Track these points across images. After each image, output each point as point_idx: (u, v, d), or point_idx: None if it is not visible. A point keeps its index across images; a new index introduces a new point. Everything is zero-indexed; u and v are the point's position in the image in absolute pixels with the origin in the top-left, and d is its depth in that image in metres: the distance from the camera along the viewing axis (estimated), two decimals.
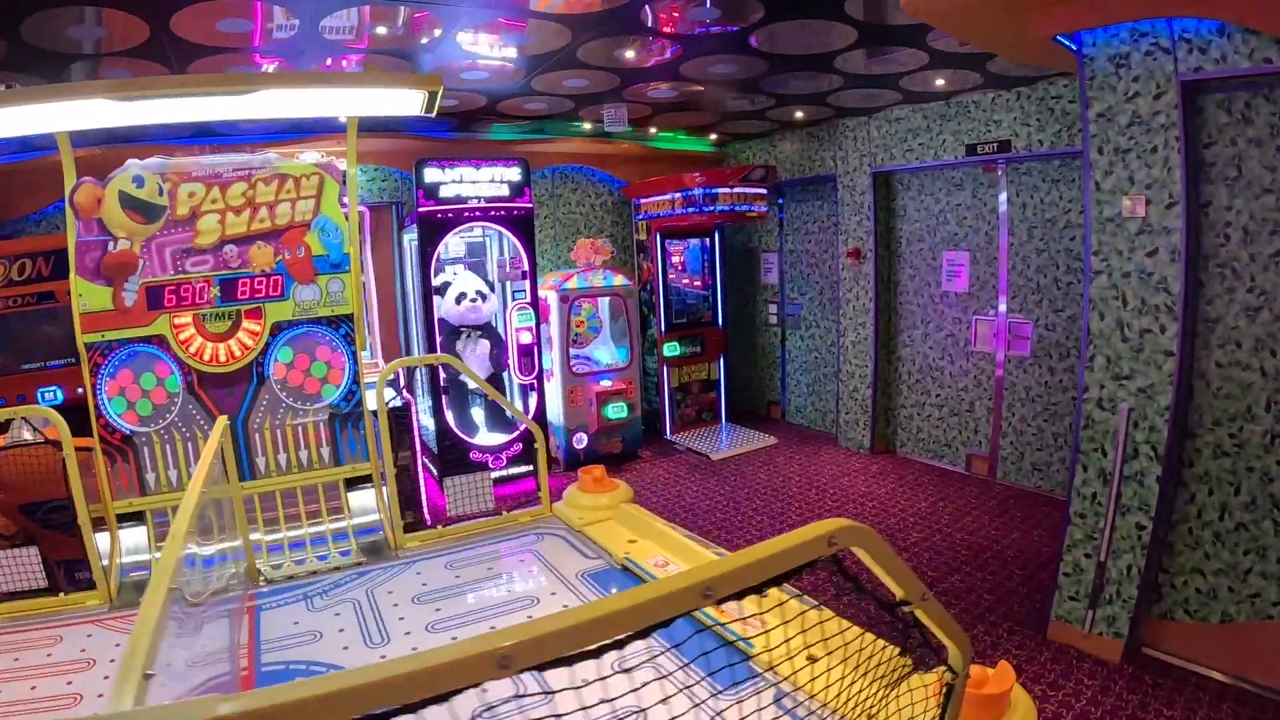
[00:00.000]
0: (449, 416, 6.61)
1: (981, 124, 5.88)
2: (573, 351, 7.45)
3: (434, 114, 3.59)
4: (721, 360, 8.45)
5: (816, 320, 8.10)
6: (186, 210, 3.53)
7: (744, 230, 8.92)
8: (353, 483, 3.91)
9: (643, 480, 6.95)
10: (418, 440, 5.92)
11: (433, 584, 3.13)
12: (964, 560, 4.94)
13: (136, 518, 3.59)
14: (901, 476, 6.63)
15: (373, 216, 7.20)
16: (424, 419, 6.66)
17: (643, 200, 8.05)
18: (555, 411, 7.34)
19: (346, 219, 3.83)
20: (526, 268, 6.53)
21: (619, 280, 7.24)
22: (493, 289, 6.77)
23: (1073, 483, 3.85)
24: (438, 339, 6.45)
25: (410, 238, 6.86)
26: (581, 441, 7.26)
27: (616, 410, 7.19)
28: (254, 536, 3.52)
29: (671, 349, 8.05)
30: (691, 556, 2.96)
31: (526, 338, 6.58)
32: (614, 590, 2.72)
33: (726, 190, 7.15)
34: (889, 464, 7.01)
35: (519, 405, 7.10)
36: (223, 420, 3.09)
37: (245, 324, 3.67)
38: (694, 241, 8.30)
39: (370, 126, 7.02)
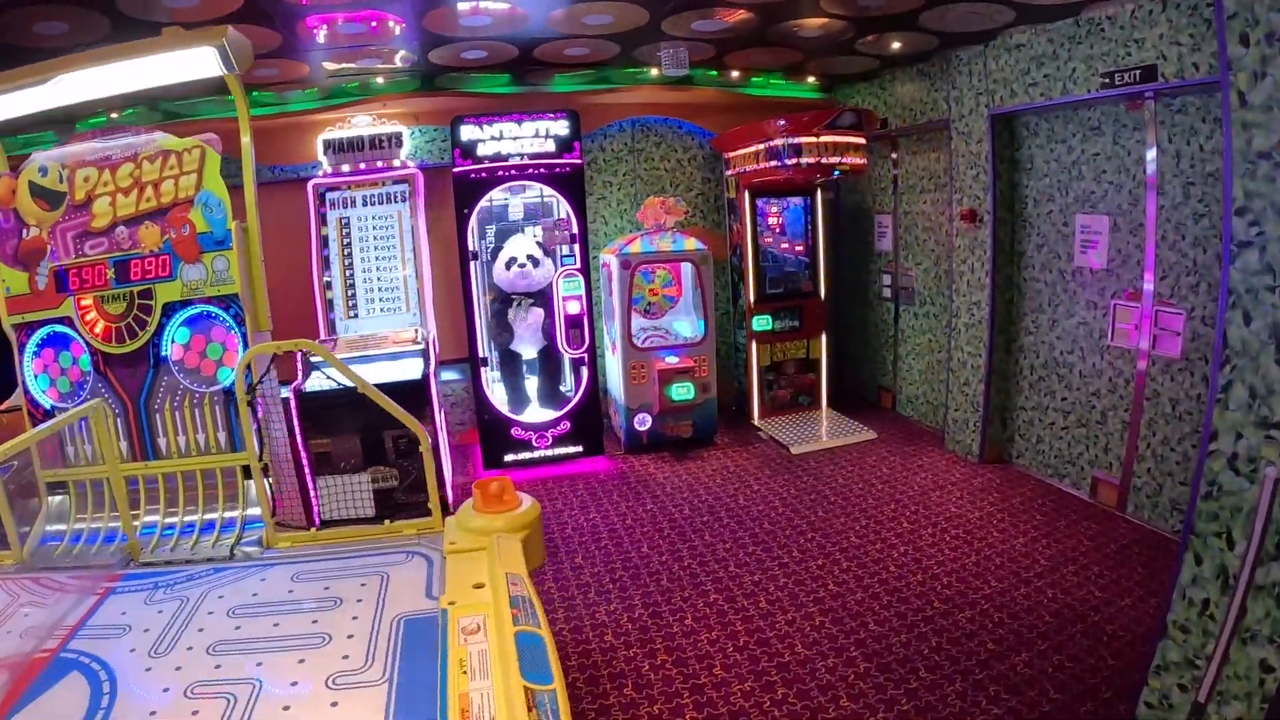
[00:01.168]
0: (488, 389, 6.08)
1: (1120, 45, 4.44)
2: (645, 323, 6.70)
3: (239, 71, 3.19)
4: (824, 337, 7.38)
5: (931, 295, 6.84)
6: (83, 195, 3.50)
7: (858, 189, 7.69)
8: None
9: (702, 472, 6.16)
10: (439, 415, 5.42)
11: (262, 596, 2.81)
12: (1043, 632, 3.78)
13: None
14: (1007, 497, 5.41)
15: (430, 179, 6.70)
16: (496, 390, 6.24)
17: (730, 154, 7.07)
18: (617, 388, 6.64)
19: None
20: (576, 230, 5.80)
21: (690, 244, 6.36)
22: (548, 254, 6.11)
23: (1177, 578, 2.68)
24: (475, 308, 5.90)
25: None
26: (644, 423, 6.53)
27: (682, 391, 6.38)
28: (151, 519, 3.48)
29: (761, 323, 7.10)
30: (503, 625, 2.26)
31: (574, 307, 5.91)
32: (402, 652, 2.27)
33: (811, 139, 6.03)
34: (997, 478, 5.78)
35: (569, 381, 6.47)
36: (94, 403, 3.14)
37: (139, 304, 3.56)
38: (795, 201, 7.22)
39: (426, 85, 6.50)
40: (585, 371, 6.11)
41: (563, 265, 5.87)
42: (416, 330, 5.86)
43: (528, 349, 6.31)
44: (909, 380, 7.33)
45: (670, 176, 7.28)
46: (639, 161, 7.20)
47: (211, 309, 3.58)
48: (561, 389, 6.44)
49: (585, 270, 5.92)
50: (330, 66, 5.61)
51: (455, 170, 5.71)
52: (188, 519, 3.54)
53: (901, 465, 6.16)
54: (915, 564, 4.55)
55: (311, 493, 5.67)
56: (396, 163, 6.35)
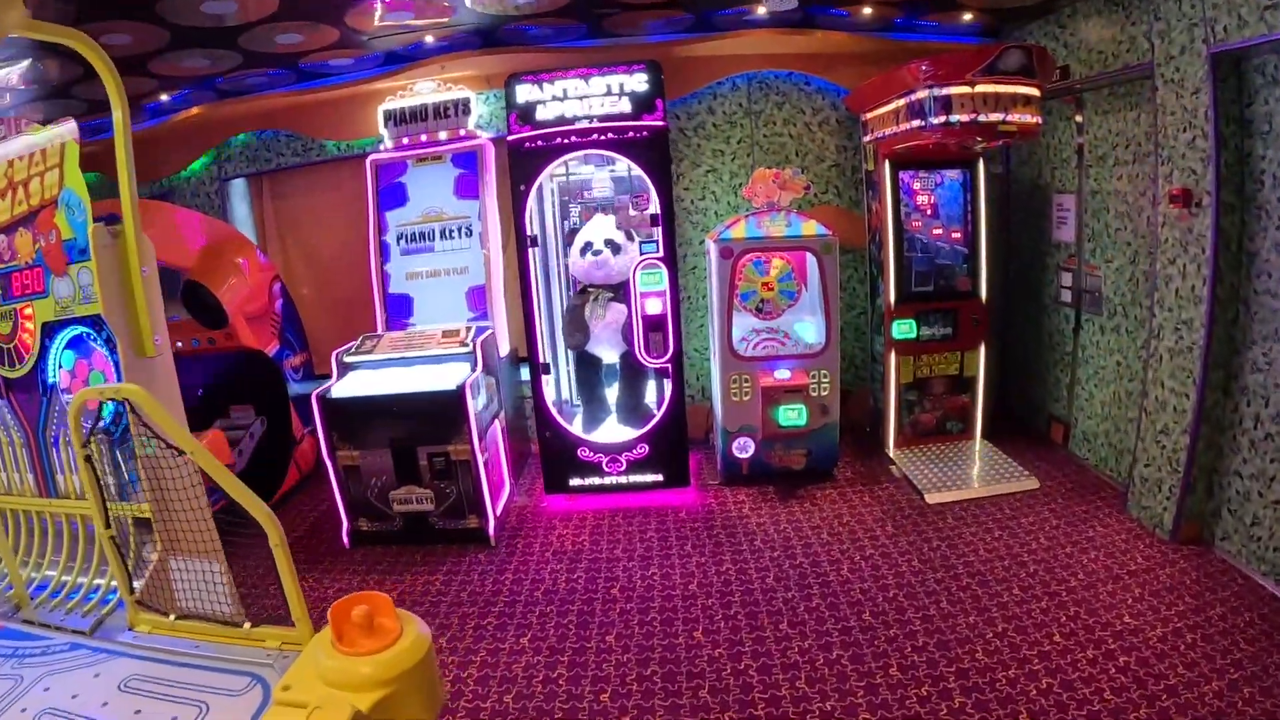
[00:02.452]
0: (550, 400, 4.99)
1: None
2: (757, 324, 5.41)
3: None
4: (982, 350, 5.81)
5: (1124, 304, 5.10)
6: None
7: (1032, 159, 6.00)
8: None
9: (808, 520, 4.84)
10: (474, 431, 4.41)
11: (80, 700, 2.24)
12: None
13: None
14: (1204, 604, 3.72)
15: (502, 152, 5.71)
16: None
17: (867, 114, 5.62)
18: (717, 403, 5.40)
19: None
20: (658, 209, 4.59)
21: (809, 229, 5.01)
22: (632, 239, 4.96)
23: None
24: (535, 302, 4.82)
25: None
26: (745, 449, 5.26)
27: (791, 415, 5.06)
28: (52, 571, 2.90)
29: (903, 329, 5.62)
30: None
31: (654, 306, 4.71)
32: None
33: (963, 89, 4.51)
34: (1192, 570, 4.05)
35: (651, 395, 5.28)
36: None
37: (24, 324, 2.97)
38: (950, 175, 5.68)
39: (488, 41, 5.47)
40: (669, 386, 4.91)
41: (642, 254, 4.70)
42: (466, 329, 4.86)
43: (607, 352, 5.21)
44: (1088, 412, 5.61)
45: (796, 144, 5.91)
46: (757, 126, 5.87)
47: (88, 330, 2.80)
48: (646, 403, 5.29)
49: (670, 260, 4.71)
50: (361, 25, 4.70)
51: (510, 138, 4.66)
52: (81, 576, 2.82)
53: (1066, 534, 4.53)
54: (1059, 708, 3.06)
55: (342, 511, 4.86)
56: (463, 132, 5.40)
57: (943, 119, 4.68)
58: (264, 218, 6.85)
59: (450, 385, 4.45)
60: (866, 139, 5.69)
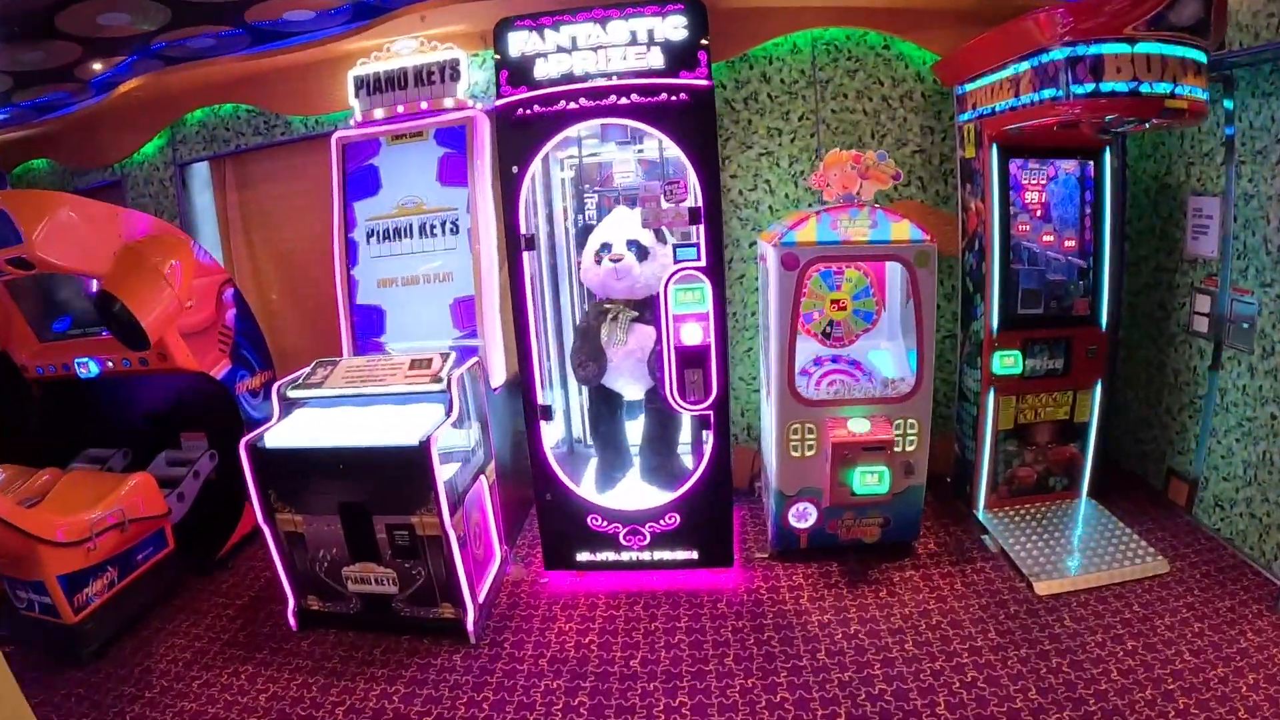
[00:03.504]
0: (550, 454, 3.77)
1: None
2: (821, 350, 4.16)
3: None
4: (1098, 389, 4.51)
5: None
6: None
7: (1159, 151, 4.67)
8: None
9: (886, 619, 3.59)
10: (442, 501, 3.22)
11: None
12: None
13: None
14: None
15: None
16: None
17: (966, 84, 4.32)
18: (769, 454, 4.15)
19: None
20: (699, 201, 3.34)
21: (901, 231, 3.73)
22: (663, 240, 3.73)
23: None
24: (530, 322, 3.59)
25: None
26: (805, 518, 4.00)
27: (870, 480, 3.79)
28: None
29: (1007, 362, 4.33)
30: None
31: (693, 335, 3.43)
32: None
33: (1121, 48, 3.24)
34: None
35: (685, 441, 4.05)
36: None
37: None
38: (1065, 167, 4.38)
39: None
40: (711, 439, 3.67)
41: (677, 261, 3.45)
42: (441, 358, 3.65)
43: (628, 387, 3.95)
44: (1224, 473, 4.24)
45: (871, 123, 4.63)
46: (823, 99, 4.59)
47: None
48: (676, 458, 4.05)
49: (715, 272, 3.44)
50: None
51: (498, 104, 3.43)
52: None
53: (1214, 645, 3.23)
54: None
55: (286, 586, 3.69)
56: (450, 102, 4.20)
57: (1089, 87, 3.40)
58: (227, 210, 5.71)
59: (410, 439, 3.25)
60: (964, 117, 4.41)
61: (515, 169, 3.39)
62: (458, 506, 3.50)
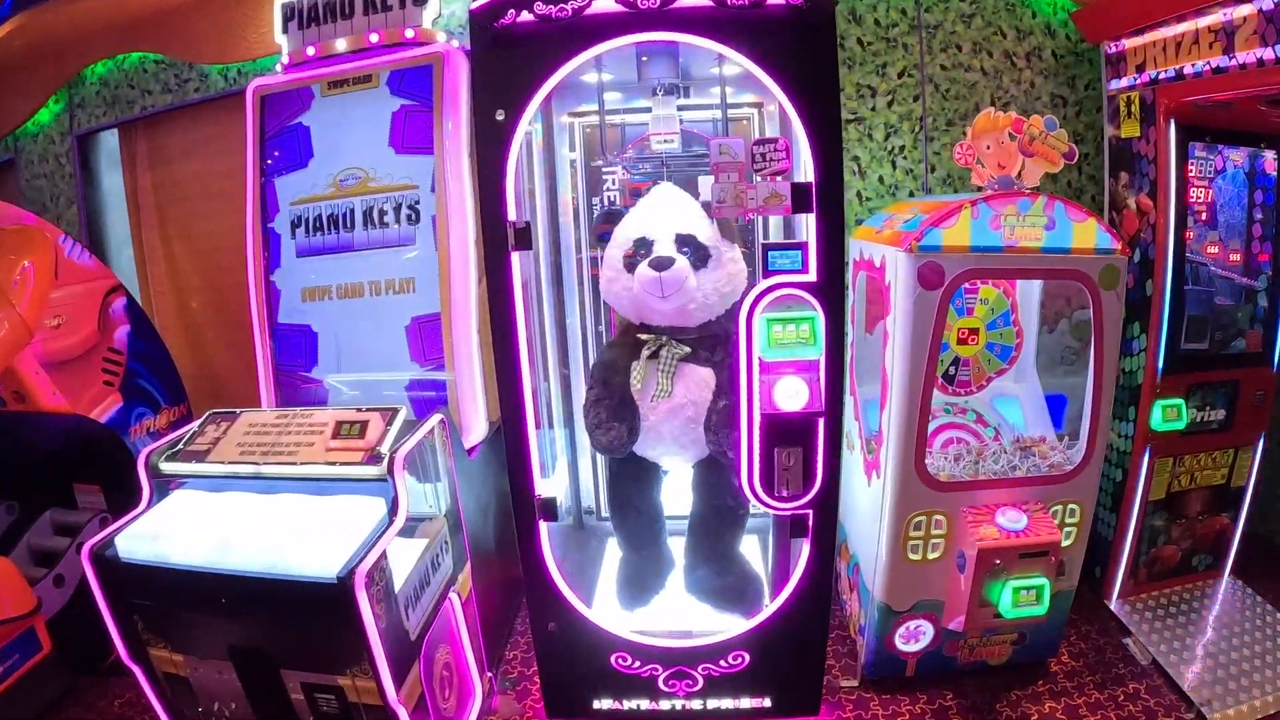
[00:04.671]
0: (553, 565, 2.22)
1: None
2: (935, 401, 2.64)
3: None
4: (1260, 445, 3.09)
5: None
6: None
7: None
8: None
9: None
10: (379, 659, 1.63)
11: None
12: None
13: None
14: None
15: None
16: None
17: (1127, 41, 2.84)
18: (863, 548, 2.62)
19: None
20: (812, 175, 1.80)
21: (1086, 237, 2.23)
22: (731, 236, 2.19)
23: None
24: (522, 357, 2.02)
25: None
26: (917, 638, 2.51)
27: (1024, 598, 2.30)
28: None
29: (1170, 414, 2.87)
30: None
31: (792, 395, 1.87)
32: None
33: None
34: None
35: (763, 566, 2.55)
36: None
37: None
38: (1233, 157, 2.92)
39: None
40: (807, 550, 2.14)
41: (769, 273, 1.91)
42: (381, 421, 2.09)
43: (672, 457, 2.33)
44: None
45: (991, 86, 3.06)
46: (930, 50, 3.05)
47: None
48: (740, 562, 2.50)
49: (830, 290, 1.85)
50: None
51: (473, 8, 1.86)
52: None
53: None
54: None
55: None
56: (411, 33, 2.63)
57: None
58: (138, 194, 4.09)
59: (326, 567, 1.73)
60: (1120, 84, 2.93)
61: (501, 115, 1.82)
62: (412, 659, 1.96)
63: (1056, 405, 2.90)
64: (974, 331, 2.56)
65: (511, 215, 1.85)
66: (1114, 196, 2.99)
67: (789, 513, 2.04)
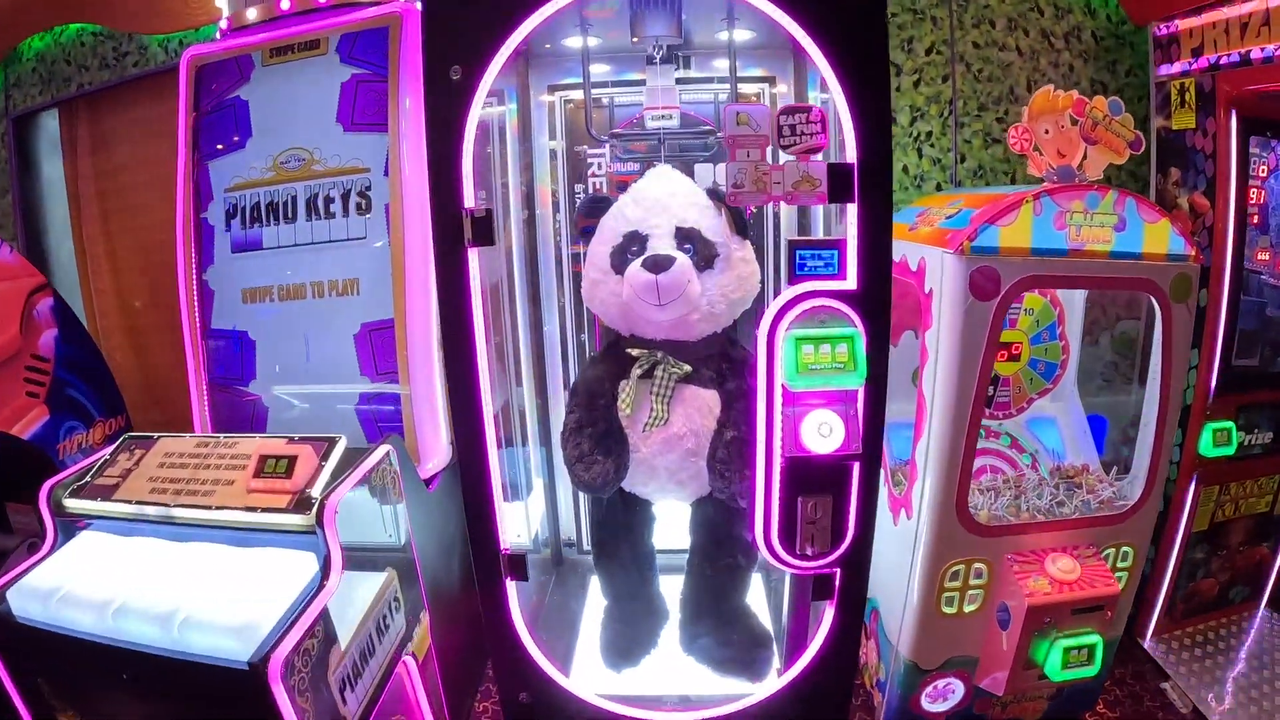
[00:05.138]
0: (522, 625, 1.77)
1: None
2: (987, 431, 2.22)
3: None
4: None
5: None
6: None
7: None
8: None
9: None
10: None
11: None
12: None
13: None
14: None
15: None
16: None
17: (1181, 21, 2.43)
18: (888, 605, 2.19)
19: None
20: (855, 154, 1.36)
21: (1158, 240, 1.81)
22: (744, 231, 1.74)
23: None
24: (477, 379, 1.56)
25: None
26: (948, 697, 2.09)
27: (1075, 657, 1.89)
28: None
29: (1221, 439, 2.48)
30: None
31: (822, 433, 1.44)
32: None
33: None
34: None
35: (757, 597, 2.11)
36: None
37: None
38: None
39: None
40: (831, 614, 1.72)
41: (796, 278, 1.46)
42: (312, 461, 1.64)
43: (667, 493, 1.86)
44: None
45: (1028, 68, 2.62)
46: (961, 25, 2.59)
47: None
48: (747, 617, 2.05)
49: (873, 302, 1.41)
50: None
51: None
52: None
53: None
54: None
55: None
56: None
57: None
58: (78, 181, 3.60)
59: (236, 652, 1.28)
60: (1171, 69, 2.52)
61: (459, 73, 1.37)
62: None
63: (1095, 428, 2.50)
64: (1015, 349, 2.14)
65: (469, 201, 1.40)
66: (1162, 195, 2.58)
67: (812, 571, 1.60)
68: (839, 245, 1.37)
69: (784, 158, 1.35)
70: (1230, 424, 2.51)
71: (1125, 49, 2.66)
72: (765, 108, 1.36)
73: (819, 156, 1.36)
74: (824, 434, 1.39)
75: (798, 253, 1.38)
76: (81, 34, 3.22)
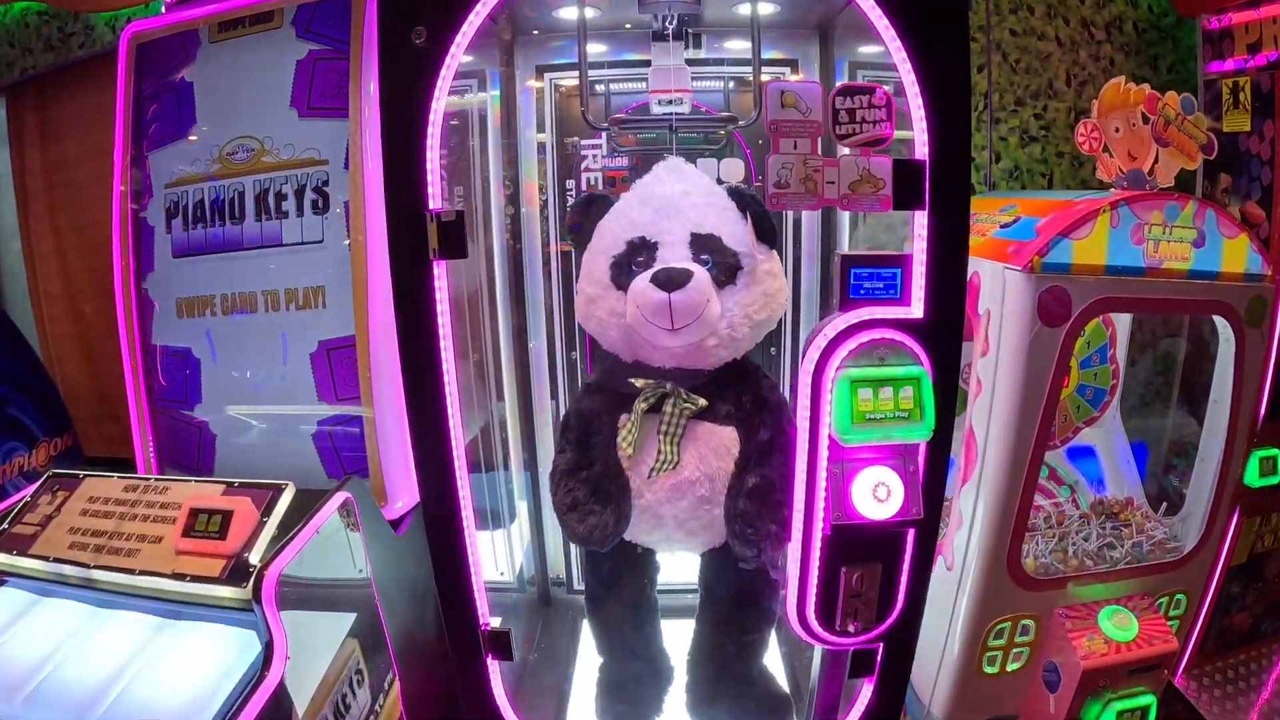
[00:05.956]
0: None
1: None
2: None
3: None
4: None
5: None
6: None
7: None
8: None
9: None
10: None
11: None
12: None
13: None
14: None
15: None
16: None
17: (1236, 14, 2.14)
18: (920, 659, 1.88)
19: None
20: (925, 149, 1.05)
21: (1236, 257, 1.53)
22: (771, 240, 1.39)
23: None
24: (452, 420, 1.23)
25: None
26: None
27: None
28: None
29: (1265, 468, 2.21)
30: None
31: (877, 495, 1.14)
32: None
33: None
34: None
35: (774, 659, 1.77)
36: None
37: None
38: None
39: None
40: (869, 693, 1.42)
41: (850, 303, 1.14)
42: (253, 504, 1.32)
43: (676, 542, 1.49)
44: None
45: (1067, 60, 2.33)
46: (997, 8, 2.28)
47: None
48: (763, 679, 1.73)
49: (941, 333, 1.08)
50: None
51: None
52: None
53: None
54: None
55: None
56: None
57: None
58: (25, 176, 3.22)
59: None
60: (1224, 66, 2.24)
61: (422, 36, 1.03)
62: None
63: (1136, 456, 2.22)
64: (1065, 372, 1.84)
65: (435, 202, 1.07)
66: (1207, 199, 2.30)
67: (851, 646, 1.30)
68: (903, 263, 1.06)
69: (841, 150, 1.03)
70: (1276, 452, 2.23)
71: (1167, 42, 2.38)
72: (817, 85, 1.04)
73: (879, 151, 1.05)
74: (880, 497, 1.09)
75: (853, 271, 1.06)
76: (25, 14, 2.84)
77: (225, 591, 1.22)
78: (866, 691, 1.37)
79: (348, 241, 1.64)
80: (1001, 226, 1.52)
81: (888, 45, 1.02)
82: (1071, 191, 1.67)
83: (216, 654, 1.25)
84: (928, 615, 1.71)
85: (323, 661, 1.38)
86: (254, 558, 1.24)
